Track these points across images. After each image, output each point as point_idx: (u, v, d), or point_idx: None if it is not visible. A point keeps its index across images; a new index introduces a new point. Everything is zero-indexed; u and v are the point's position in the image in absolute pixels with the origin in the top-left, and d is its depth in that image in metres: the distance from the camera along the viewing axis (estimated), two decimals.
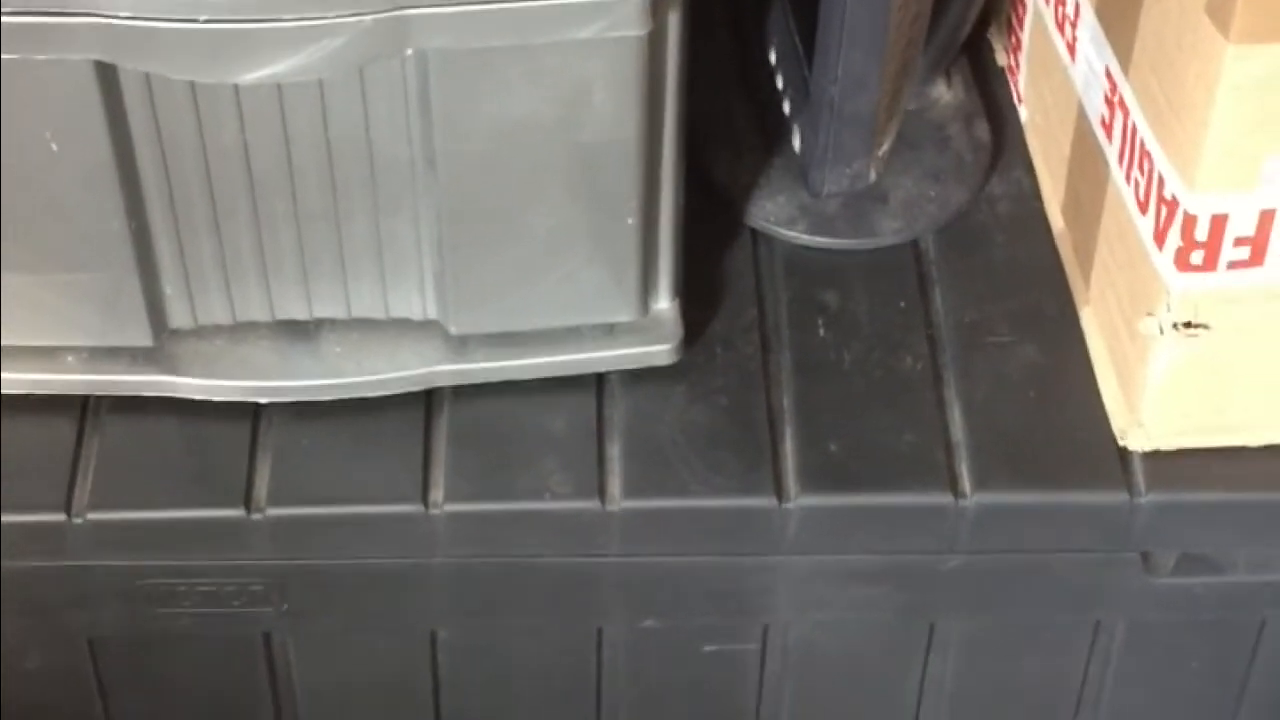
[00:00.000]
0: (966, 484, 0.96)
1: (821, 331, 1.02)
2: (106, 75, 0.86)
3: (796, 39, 0.99)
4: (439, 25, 0.85)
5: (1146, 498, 0.96)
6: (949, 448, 0.97)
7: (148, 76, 0.86)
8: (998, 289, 1.04)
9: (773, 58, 1.04)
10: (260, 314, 0.97)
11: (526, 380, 0.99)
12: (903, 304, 1.03)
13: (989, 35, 1.15)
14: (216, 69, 0.85)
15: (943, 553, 0.97)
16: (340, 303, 0.97)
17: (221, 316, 0.97)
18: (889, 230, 1.05)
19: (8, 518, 0.95)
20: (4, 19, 0.83)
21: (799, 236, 1.05)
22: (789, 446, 0.97)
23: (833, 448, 0.97)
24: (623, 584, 0.98)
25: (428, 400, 0.98)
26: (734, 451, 0.97)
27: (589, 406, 0.99)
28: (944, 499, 0.95)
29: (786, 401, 0.99)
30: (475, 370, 0.98)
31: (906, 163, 1.07)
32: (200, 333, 0.98)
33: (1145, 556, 0.99)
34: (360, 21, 0.84)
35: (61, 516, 0.95)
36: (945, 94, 1.10)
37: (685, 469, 0.96)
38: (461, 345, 0.98)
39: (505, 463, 0.96)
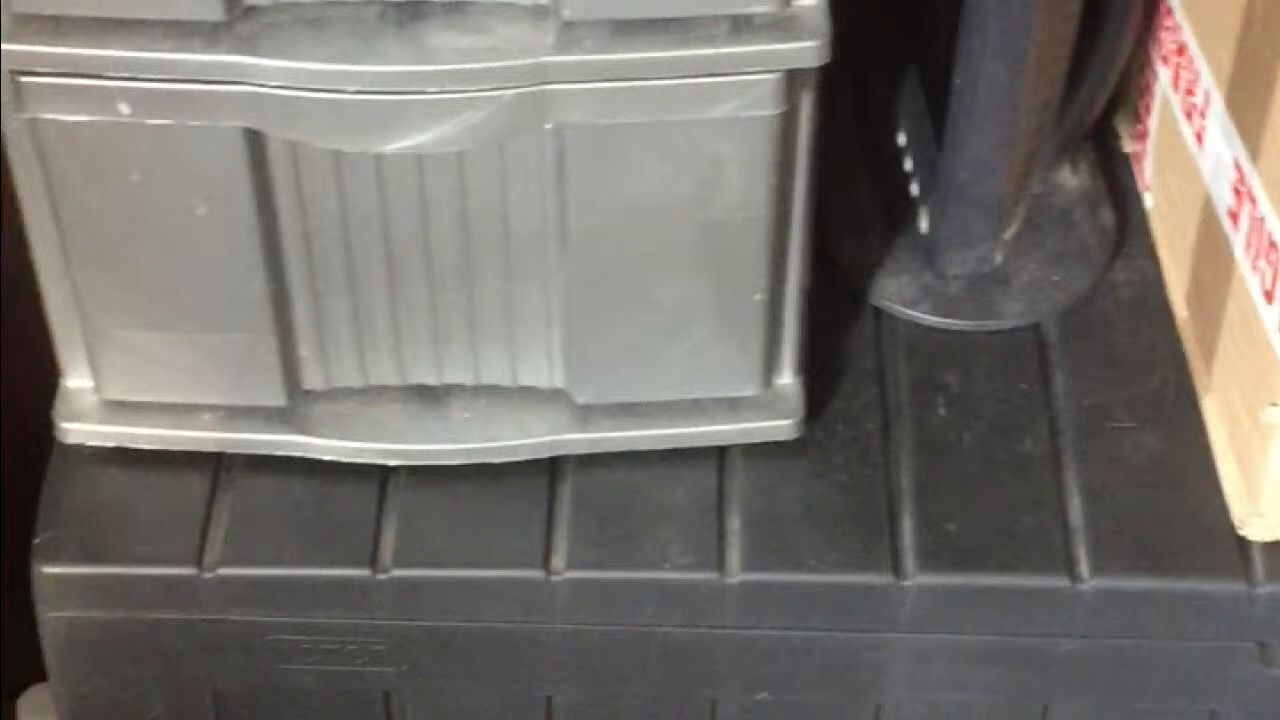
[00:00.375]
0: (1084, 568, 0.96)
1: (942, 411, 1.02)
2: (255, 142, 0.88)
3: (928, 122, 1.01)
4: (578, 101, 0.87)
5: (1265, 588, 0.96)
6: (1067, 531, 0.97)
7: (294, 144, 0.89)
8: (1119, 374, 1.04)
9: (902, 139, 1.05)
10: (391, 378, 0.99)
11: (649, 451, 1.00)
12: (1024, 386, 1.03)
13: (1115, 122, 1.16)
14: (361, 139, 0.88)
15: (1058, 636, 0.97)
16: (470, 369, 0.99)
17: (354, 379, 0.99)
18: (1011, 313, 1.06)
19: (141, 570, 0.97)
20: (158, 85, 0.86)
21: (921, 317, 1.06)
22: (907, 525, 0.98)
23: (951, 527, 0.98)
24: (738, 656, 0.99)
25: (552, 467, 1.00)
26: (852, 528, 0.98)
27: (710, 479, 1.00)
28: (1061, 582, 0.96)
29: (905, 480, 1.00)
30: (599, 439, 1.00)
31: (1030, 246, 1.08)
32: (332, 394, 1.00)
33: (1262, 647, 0.98)
34: (502, 96, 0.86)
35: (192, 570, 0.97)
36: (1070, 179, 1.11)
37: (804, 544, 0.97)
38: (587, 414, 0.99)
39: (626, 532, 0.98)
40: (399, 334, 0.97)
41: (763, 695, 1.01)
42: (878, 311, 1.07)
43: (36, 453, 1.04)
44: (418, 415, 1.00)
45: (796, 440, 1.00)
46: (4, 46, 0.85)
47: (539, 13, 0.86)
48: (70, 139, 0.88)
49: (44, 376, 1.04)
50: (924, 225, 1.01)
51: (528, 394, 1.00)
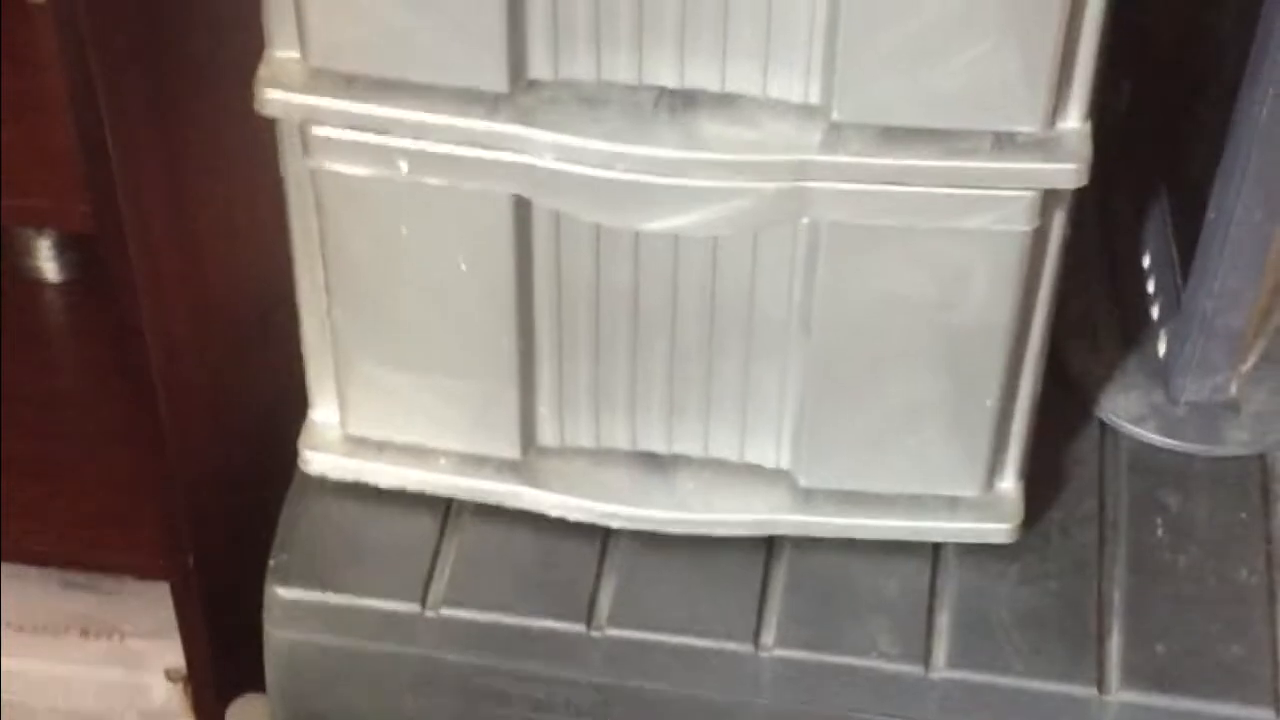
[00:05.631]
0: None
1: (1159, 531, 1.03)
2: (521, 209, 0.92)
3: (1174, 249, 1.02)
4: (837, 201, 0.89)
5: None
6: (1276, 664, 0.97)
7: (558, 214, 0.92)
8: None
9: (1145, 261, 1.07)
10: (623, 442, 1.02)
11: (866, 540, 1.02)
12: (1244, 515, 1.04)
13: None
14: (623, 215, 0.91)
15: None
16: (699, 441, 1.02)
17: (586, 440, 1.02)
18: (1237, 441, 1.06)
19: (367, 601, 1.01)
20: (438, 148, 0.90)
21: (1147, 435, 1.07)
22: (1115, 640, 0.99)
23: (1159, 648, 0.98)
24: None
25: (769, 545, 1.02)
26: (1060, 637, 0.99)
27: (923, 573, 1.02)
28: (1266, 715, 0.96)
29: (1117, 595, 1.00)
30: (819, 524, 1.02)
31: (1261, 378, 1.08)
32: (563, 452, 1.03)
33: None
34: (763, 189, 0.89)
35: (416, 607, 1.01)
36: None
37: (1010, 647, 0.99)
38: (808, 498, 1.02)
39: (837, 616, 1.00)
40: (635, 401, 1.00)
41: None
42: (1103, 425, 1.08)
43: (268, 476, 1.09)
44: (644, 481, 1.03)
45: (1012, 544, 1.02)
46: (298, 98, 0.90)
47: (808, 111, 0.88)
48: (348, 190, 0.93)
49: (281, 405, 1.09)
50: (1162, 349, 1.02)
51: (753, 471, 1.02)
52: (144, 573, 1.25)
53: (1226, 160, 0.90)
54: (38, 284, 1.36)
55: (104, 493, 1.24)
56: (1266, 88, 0.87)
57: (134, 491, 1.21)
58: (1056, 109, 0.87)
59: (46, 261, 1.37)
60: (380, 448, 1.04)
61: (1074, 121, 0.88)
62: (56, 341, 1.35)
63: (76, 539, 1.23)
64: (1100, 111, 0.89)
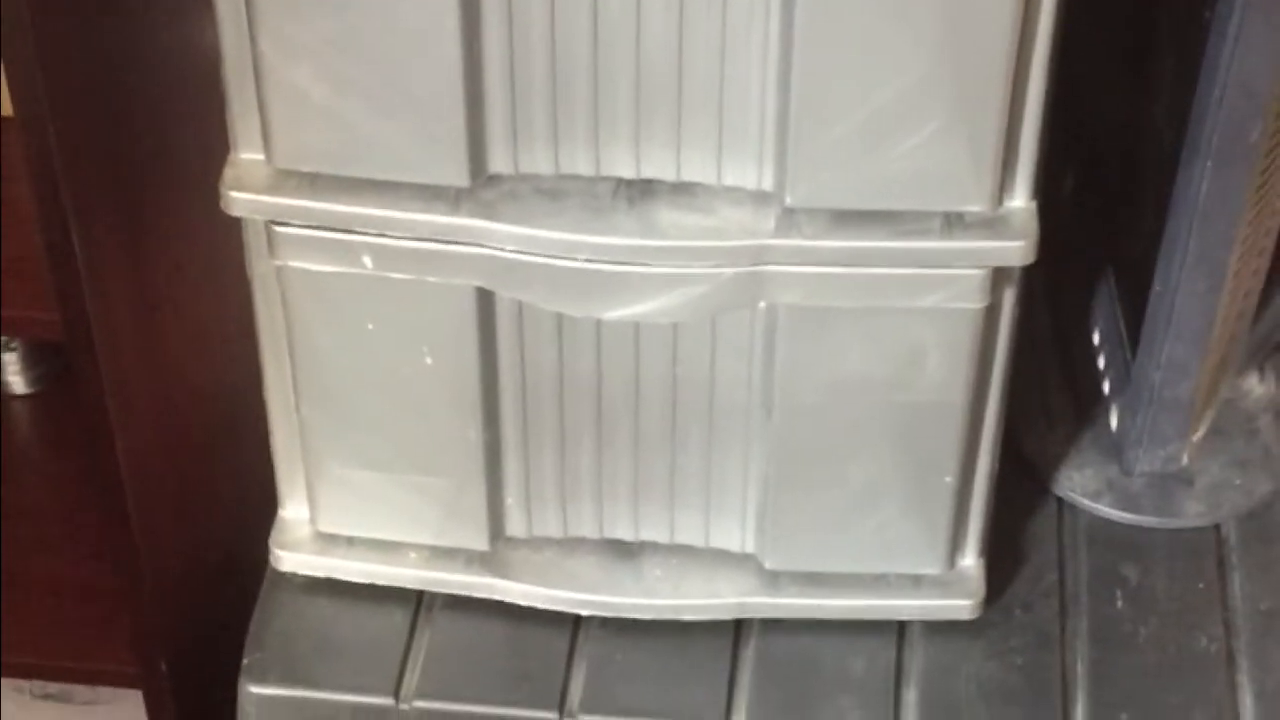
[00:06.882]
0: None
1: (1119, 603, 1.05)
2: (485, 301, 0.94)
3: (1121, 324, 1.04)
4: (793, 283, 0.91)
5: None
6: None
7: (521, 305, 0.94)
8: None
9: (1095, 338, 1.09)
10: (590, 531, 1.04)
11: (831, 620, 1.04)
12: (1201, 585, 1.06)
13: None
14: (585, 304, 0.93)
15: None
16: (665, 528, 1.03)
17: (554, 530, 1.04)
18: (1193, 512, 1.08)
19: (341, 696, 1.02)
20: (402, 243, 0.92)
21: (1104, 510, 1.09)
22: (1079, 711, 1.00)
23: (1123, 717, 1.00)
24: None
25: (737, 628, 1.04)
26: (1025, 711, 1.00)
27: (889, 651, 1.03)
28: None
29: (1080, 668, 1.02)
30: (785, 605, 1.03)
31: (1215, 449, 1.10)
32: (532, 543, 1.04)
33: None
34: (720, 274, 0.91)
35: (390, 701, 1.01)
36: (1257, 386, 1.14)
37: None
38: (774, 580, 1.03)
39: (806, 696, 1.01)
40: (601, 489, 1.02)
41: None
42: (1060, 502, 1.10)
43: (240, 575, 1.10)
44: (612, 569, 1.04)
45: (975, 620, 1.03)
46: (263, 198, 0.92)
47: (762, 198, 0.91)
48: (314, 286, 0.95)
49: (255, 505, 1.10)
50: (1114, 423, 1.04)
51: (718, 556, 1.04)
52: (117, 681, 1.25)
53: (1169, 235, 0.93)
54: (5, 397, 1.38)
55: (74, 602, 1.25)
56: (1205, 161, 0.90)
57: (105, 599, 1.22)
58: (1003, 189, 0.90)
59: (13, 375, 1.38)
60: (350, 543, 1.06)
61: (1020, 201, 0.90)
62: (24, 453, 1.36)
63: (48, 649, 1.24)
64: (1046, 197, 0.92)
